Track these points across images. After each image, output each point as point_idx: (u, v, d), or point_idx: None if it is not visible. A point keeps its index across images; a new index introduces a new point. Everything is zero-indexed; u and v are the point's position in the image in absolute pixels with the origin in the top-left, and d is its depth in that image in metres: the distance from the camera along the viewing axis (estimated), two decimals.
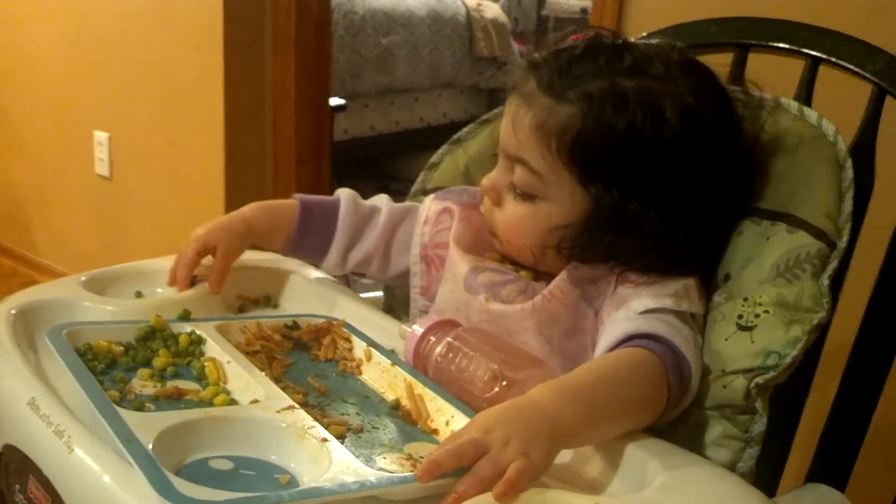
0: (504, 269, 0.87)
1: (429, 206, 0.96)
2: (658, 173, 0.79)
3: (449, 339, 0.79)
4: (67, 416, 0.63)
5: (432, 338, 0.81)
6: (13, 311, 0.80)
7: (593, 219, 0.80)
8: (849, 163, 0.81)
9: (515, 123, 0.81)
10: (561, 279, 0.82)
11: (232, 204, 2.23)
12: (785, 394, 0.95)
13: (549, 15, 4.81)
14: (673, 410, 0.75)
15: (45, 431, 0.62)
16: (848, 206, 0.79)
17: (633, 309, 0.77)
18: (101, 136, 2.51)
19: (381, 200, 1.00)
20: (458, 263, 0.88)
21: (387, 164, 3.67)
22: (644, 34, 1.11)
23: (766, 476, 0.94)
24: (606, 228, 0.79)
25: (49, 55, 2.62)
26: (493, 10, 4.03)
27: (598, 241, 0.80)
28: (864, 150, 0.92)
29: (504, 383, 0.74)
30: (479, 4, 3.96)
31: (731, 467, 0.75)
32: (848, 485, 0.92)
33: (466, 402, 0.74)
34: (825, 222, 0.78)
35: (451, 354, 0.78)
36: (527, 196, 0.82)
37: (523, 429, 0.63)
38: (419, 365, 0.81)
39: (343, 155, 3.38)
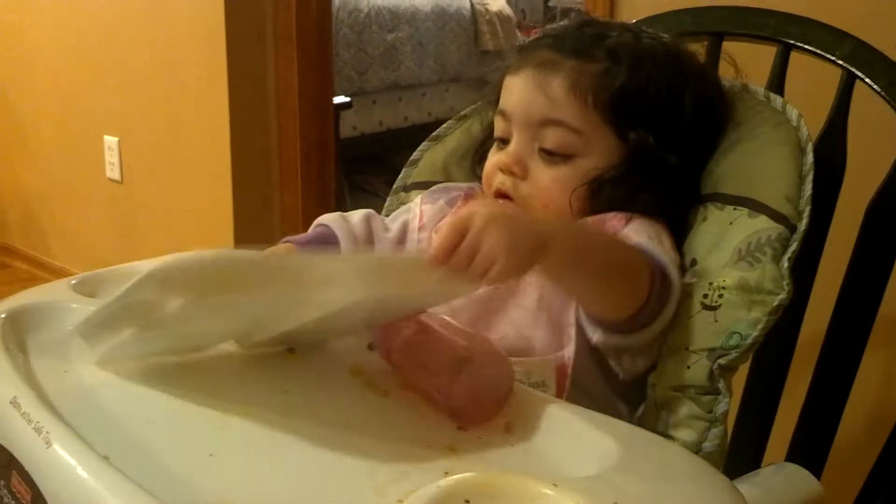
0: None
1: (420, 210, 0.96)
2: (679, 120, 0.85)
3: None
4: (48, 414, 0.66)
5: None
6: (3, 315, 0.83)
7: (627, 165, 0.84)
8: (810, 147, 0.83)
9: (544, 89, 0.84)
10: None
11: (240, 204, 2.27)
12: (764, 376, 0.97)
13: (556, 6, 4.81)
14: (658, 315, 0.78)
15: (25, 428, 0.64)
16: (808, 189, 0.81)
17: None
18: (110, 140, 2.55)
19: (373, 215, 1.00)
20: None
21: (396, 159, 3.68)
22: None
23: (746, 458, 0.96)
24: (636, 173, 0.84)
25: (56, 61, 2.66)
26: (497, 4, 4.04)
27: (625, 185, 0.84)
28: (834, 133, 0.94)
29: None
30: None
31: (698, 447, 0.76)
32: (827, 466, 0.94)
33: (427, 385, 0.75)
34: (785, 206, 0.80)
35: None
36: (562, 157, 0.85)
37: (508, 223, 0.67)
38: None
39: (352, 151, 3.42)
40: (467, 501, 0.59)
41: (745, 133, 0.86)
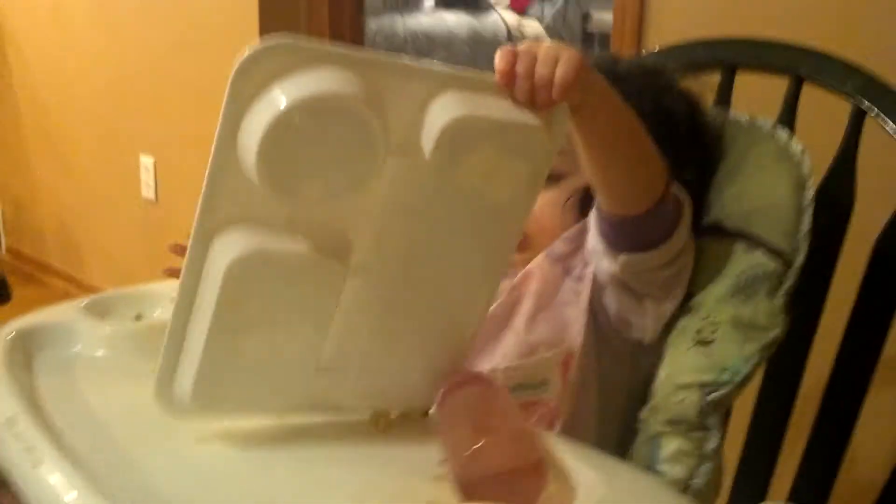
0: None
1: None
2: (673, 131, 0.84)
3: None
4: (42, 435, 0.67)
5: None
6: (12, 333, 0.85)
7: None
8: (811, 182, 0.82)
9: None
10: (539, 259, 0.85)
11: None
12: (769, 414, 0.96)
13: (594, 32, 4.81)
14: (673, 229, 0.77)
15: (17, 448, 0.66)
16: (807, 224, 0.80)
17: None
18: (146, 160, 2.59)
19: None
20: None
21: None
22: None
23: (749, 497, 0.95)
24: None
25: (95, 82, 2.71)
26: (533, 28, 4.06)
27: None
28: (844, 167, 0.93)
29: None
30: (519, 23, 3.99)
31: (687, 483, 0.76)
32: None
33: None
34: (782, 241, 0.80)
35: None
36: (553, 178, 0.84)
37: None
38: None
39: None
40: None
41: (745, 166, 0.85)
